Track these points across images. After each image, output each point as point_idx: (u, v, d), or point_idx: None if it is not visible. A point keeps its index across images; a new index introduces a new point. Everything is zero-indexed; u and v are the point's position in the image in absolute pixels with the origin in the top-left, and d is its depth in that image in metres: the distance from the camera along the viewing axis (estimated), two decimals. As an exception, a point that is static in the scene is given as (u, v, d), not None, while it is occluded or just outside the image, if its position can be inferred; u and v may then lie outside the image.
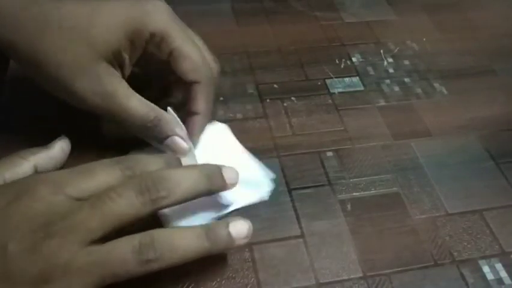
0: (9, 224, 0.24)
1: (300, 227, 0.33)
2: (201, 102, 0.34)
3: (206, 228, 0.27)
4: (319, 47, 0.46)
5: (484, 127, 0.40)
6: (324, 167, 0.36)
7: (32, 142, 0.35)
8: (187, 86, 0.34)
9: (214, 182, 0.29)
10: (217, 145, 0.35)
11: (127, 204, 0.25)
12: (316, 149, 0.37)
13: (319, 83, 0.43)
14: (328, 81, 0.43)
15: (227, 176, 0.30)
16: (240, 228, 0.28)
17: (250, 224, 0.29)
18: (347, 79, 0.43)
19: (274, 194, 0.34)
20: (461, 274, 0.31)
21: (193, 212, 0.31)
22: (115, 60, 0.32)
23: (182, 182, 0.27)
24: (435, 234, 0.33)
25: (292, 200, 0.34)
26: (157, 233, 0.26)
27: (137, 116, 0.31)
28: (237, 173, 0.30)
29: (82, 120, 0.37)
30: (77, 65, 0.30)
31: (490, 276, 0.31)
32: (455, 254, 0.32)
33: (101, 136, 0.36)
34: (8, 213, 0.25)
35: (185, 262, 0.26)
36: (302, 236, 0.32)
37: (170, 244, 0.26)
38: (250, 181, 0.33)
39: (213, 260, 0.30)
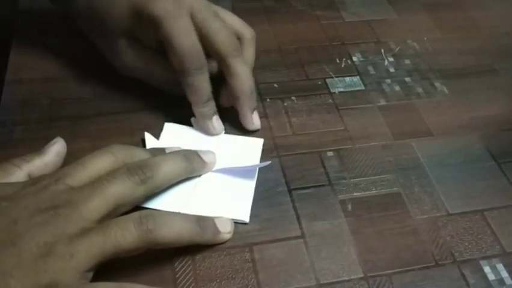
0: (18, 205, 0.26)
1: (301, 227, 0.32)
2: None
3: (195, 216, 0.31)
4: (319, 46, 0.46)
5: (485, 127, 0.40)
6: (324, 167, 0.36)
7: (32, 142, 0.35)
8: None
9: (192, 162, 0.33)
10: (237, 157, 0.36)
11: (122, 184, 0.28)
12: (316, 149, 0.37)
13: (319, 83, 0.43)
14: (328, 80, 0.43)
15: (205, 156, 0.34)
16: (224, 222, 0.31)
17: (233, 222, 0.32)
18: (347, 78, 0.43)
19: (274, 194, 0.34)
20: (462, 274, 0.31)
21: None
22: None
23: (162, 164, 0.31)
24: (436, 234, 0.33)
25: (292, 200, 0.34)
26: (154, 212, 0.29)
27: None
28: (214, 155, 0.35)
29: (81, 120, 0.37)
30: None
31: (491, 276, 0.31)
32: (456, 254, 0.32)
33: (99, 137, 0.36)
34: (16, 198, 0.27)
35: (180, 243, 0.29)
36: (302, 236, 0.32)
37: (167, 220, 0.28)
38: (234, 200, 0.33)
39: (212, 260, 0.30)
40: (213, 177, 0.34)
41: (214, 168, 0.35)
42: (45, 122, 0.37)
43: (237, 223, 0.32)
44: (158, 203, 0.32)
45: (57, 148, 0.32)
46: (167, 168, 0.31)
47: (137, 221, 0.27)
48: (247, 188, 0.34)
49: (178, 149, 0.34)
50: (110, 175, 0.29)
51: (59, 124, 0.37)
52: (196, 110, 0.36)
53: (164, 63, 0.36)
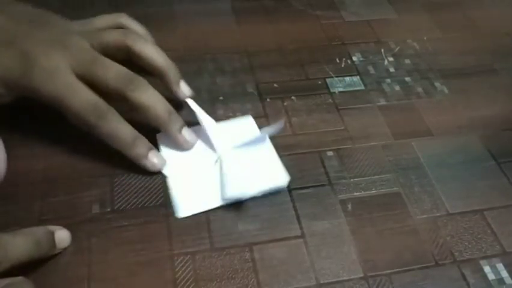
0: None
1: (301, 227, 0.32)
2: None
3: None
4: (319, 46, 0.46)
5: (485, 127, 0.40)
6: (324, 166, 0.36)
7: (31, 142, 0.35)
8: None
9: (41, 248, 0.29)
10: (241, 136, 0.36)
11: None
12: (316, 149, 0.37)
13: (319, 82, 0.43)
14: (328, 80, 0.43)
15: (59, 238, 0.30)
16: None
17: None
18: (347, 78, 0.43)
19: (274, 194, 0.34)
20: (462, 274, 0.31)
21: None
22: None
23: (10, 251, 0.26)
24: (436, 234, 0.33)
25: (292, 200, 0.34)
26: None
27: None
28: (69, 235, 0.30)
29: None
30: None
31: (491, 276, 0.31)
32: (456, 254, 0.32)
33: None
34: None
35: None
36: (302, 236, 0.32)
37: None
38: (266, 170, 0.35)
39: (212, 260, 0.30)
40: (234, 158, 0.35)
41: (229, 149, 0.35)
42: (46, 121, 0.37)
43: (235, 220, 0.32)
44: (200, 205, 0.33)
45: None
46: (15, 257, 0.27)
47: None
48: (269, 153, 0.36)
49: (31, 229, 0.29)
50: None
51: (59, 123, 0.36)
52: (128, 155, 0.33)
53: None
